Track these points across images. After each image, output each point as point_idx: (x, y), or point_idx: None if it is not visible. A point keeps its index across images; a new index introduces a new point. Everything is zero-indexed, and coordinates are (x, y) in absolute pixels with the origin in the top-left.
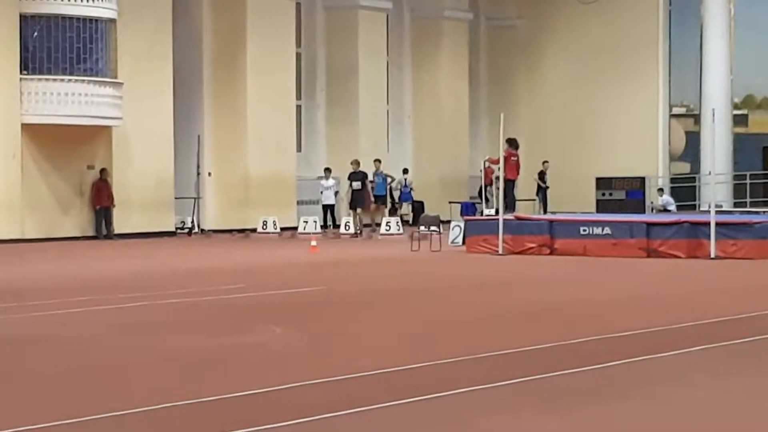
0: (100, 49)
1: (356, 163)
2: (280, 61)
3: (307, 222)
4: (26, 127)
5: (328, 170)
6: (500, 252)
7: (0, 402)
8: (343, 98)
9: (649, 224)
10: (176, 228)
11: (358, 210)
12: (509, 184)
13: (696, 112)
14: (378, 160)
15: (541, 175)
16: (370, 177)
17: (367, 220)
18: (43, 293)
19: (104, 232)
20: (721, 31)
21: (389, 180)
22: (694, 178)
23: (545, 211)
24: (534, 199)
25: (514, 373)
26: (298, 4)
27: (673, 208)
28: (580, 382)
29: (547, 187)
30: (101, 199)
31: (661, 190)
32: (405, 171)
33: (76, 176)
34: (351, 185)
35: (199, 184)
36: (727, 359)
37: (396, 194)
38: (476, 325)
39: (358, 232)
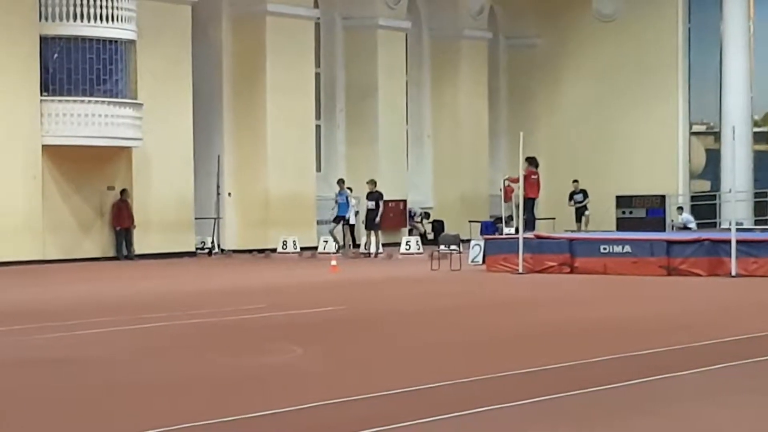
0: (120, 71)
1: (372, 182)
2: (300, 81)
3: (327, 241)
4: (47, 149)
5: (348, 189)
6: (520, 271)
7: (22, 424)
8: (363, 118)
9: (670, 242)
10: (196, 248)
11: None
12: (529, 203)
13: (716, 130)
14: (342, 180)
15: (570, 195)
16: (333, 197)
17: (382, 240)
18: (64, 314)
19: (124, 252)
20: (740, 48)
21: (354, 202)
22: (715, 195)
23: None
24: (553, 218)
25: (536, 392)
26: (317, 24)
27: (693, 226)
28: (603, 400)
29: (575, 206)
30: (121, 219)
31: (680, 208)
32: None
33: (96, 197)
34: (366, 205)
35: (219, 204)
36: (750, 377)
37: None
38: (498, 345)
39: (375, 252)
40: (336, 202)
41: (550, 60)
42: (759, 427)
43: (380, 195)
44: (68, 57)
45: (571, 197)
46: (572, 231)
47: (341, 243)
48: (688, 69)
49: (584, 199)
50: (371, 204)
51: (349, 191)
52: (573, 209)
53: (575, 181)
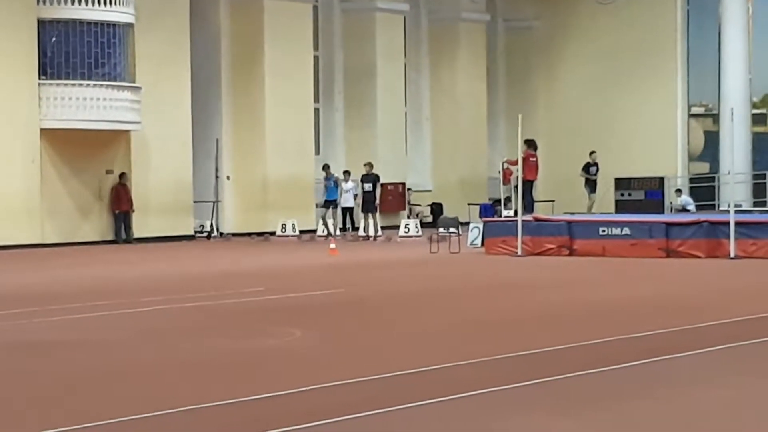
0: (118, 54)
1: (369, 165)
2: (298, 64)
3: (326, 225)
4: (45, 132)
5: (347, 173)
6: (519, 253)
7: (23, 406)
8: (361, 101)
9: (669, 224)
10: (195, 232)
11: (370, 213)
12: (528, 185)
13: (715, 112)
14: (327, 165)
15: (586, 167)
16: (350, 180)
17: (380, 223)
18: (63, 298)
19: (123, 236)
20: (739, 30)
21: (352, 185)
22: (714, 177)
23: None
24: (552, 200)
25: (533, 374)
26: (315, 8)
27: (692, 208)
28: (600, 382)
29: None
30: (120, 203)
31: (679, 190)
32: None
33: (95, 181)
34: (363, 187)
35: (217, 187)
36: (748, 359)
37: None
38: (496, 327)
39: (374, 235)
40: (325, 187)
41: (549, 42)
42: (758, 408)
43: (377, 177)
44: (66, 41)
45: (587, 169)
46: (579, 213)
47: (330, 230)
48: (687, 51)
49: (597, 172)
50: (368, 186)
51: (345, 175)
52: (581, 184)
53: (593, 152)
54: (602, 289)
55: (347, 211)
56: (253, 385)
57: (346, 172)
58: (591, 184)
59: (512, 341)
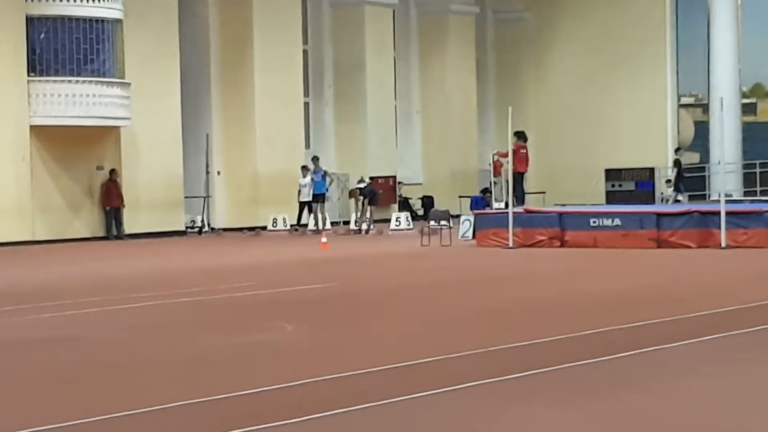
0: (107, 50)
1: (362, 180)
2: (287, 58)
3: (318, 219)
4: (35, 129)
5: (305, 168)
6: (510, 245)
7: (16, 402)
8: (351, 95)
9: (659, 215)
10: (186, 227)
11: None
12: (518, 177)
13: (704, 102)
14: (316, 158)
15: (677, 163)
16: (308, 175)
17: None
18: (55, 294)
19: (114, 232)
20: (728, 20)
21: (329, 179)
22: (704, 167)
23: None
24: (543, 192)
25: (526, 366)
26: (304, 1)
27: (682, 198)
28: (592, 373)
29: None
30: (111, 199)
31: (669, 181)
32: None
33: (85, 177)
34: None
35: (208, 183)
36: (740, 348)
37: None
38: (488, 319)
39: (366, 229)
40: (312, 180)
41: (538, 34)
42: (748, 398)
43: (373, 192)
44: (55, 37)
45: (679, 165)
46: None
47: (319, 224)
48: (676, 41)
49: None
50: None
51: (303, 170)
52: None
53: (678, 148)
54: (594, 280)
55: (305, 205)
56: (245, 380)
57: (305, 168)
58: (682, 183)
59: (505, 333)
